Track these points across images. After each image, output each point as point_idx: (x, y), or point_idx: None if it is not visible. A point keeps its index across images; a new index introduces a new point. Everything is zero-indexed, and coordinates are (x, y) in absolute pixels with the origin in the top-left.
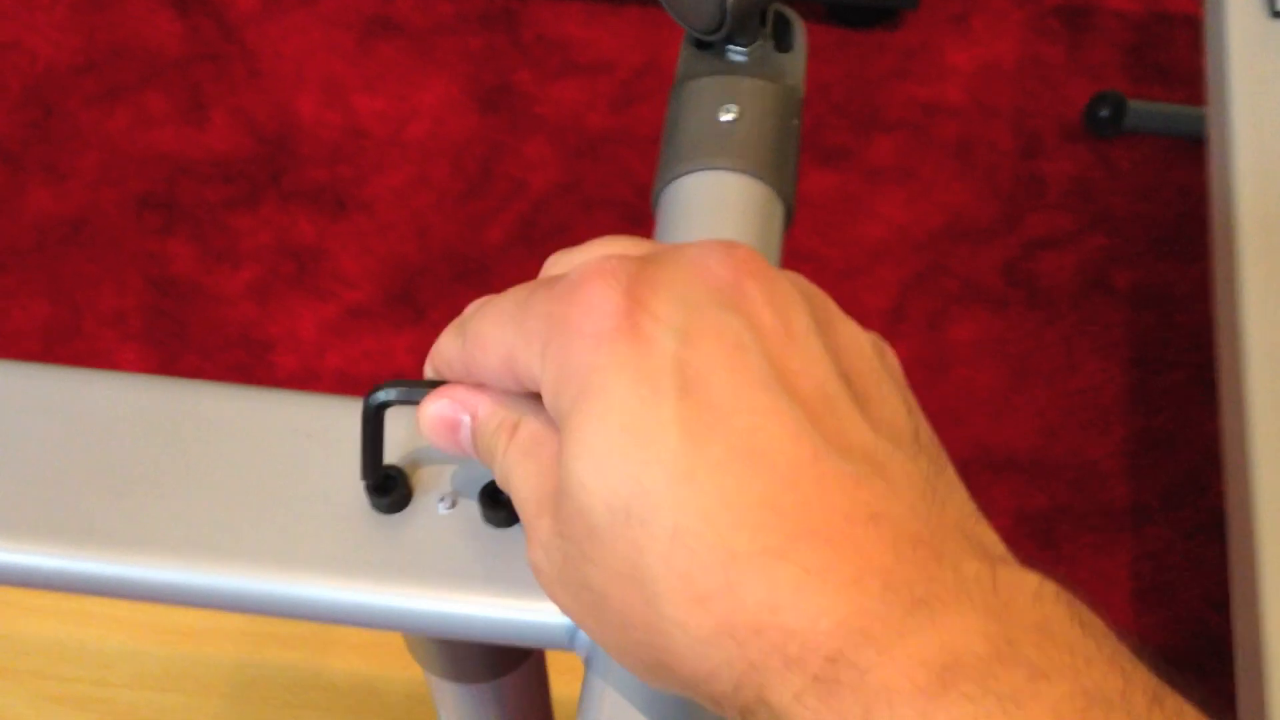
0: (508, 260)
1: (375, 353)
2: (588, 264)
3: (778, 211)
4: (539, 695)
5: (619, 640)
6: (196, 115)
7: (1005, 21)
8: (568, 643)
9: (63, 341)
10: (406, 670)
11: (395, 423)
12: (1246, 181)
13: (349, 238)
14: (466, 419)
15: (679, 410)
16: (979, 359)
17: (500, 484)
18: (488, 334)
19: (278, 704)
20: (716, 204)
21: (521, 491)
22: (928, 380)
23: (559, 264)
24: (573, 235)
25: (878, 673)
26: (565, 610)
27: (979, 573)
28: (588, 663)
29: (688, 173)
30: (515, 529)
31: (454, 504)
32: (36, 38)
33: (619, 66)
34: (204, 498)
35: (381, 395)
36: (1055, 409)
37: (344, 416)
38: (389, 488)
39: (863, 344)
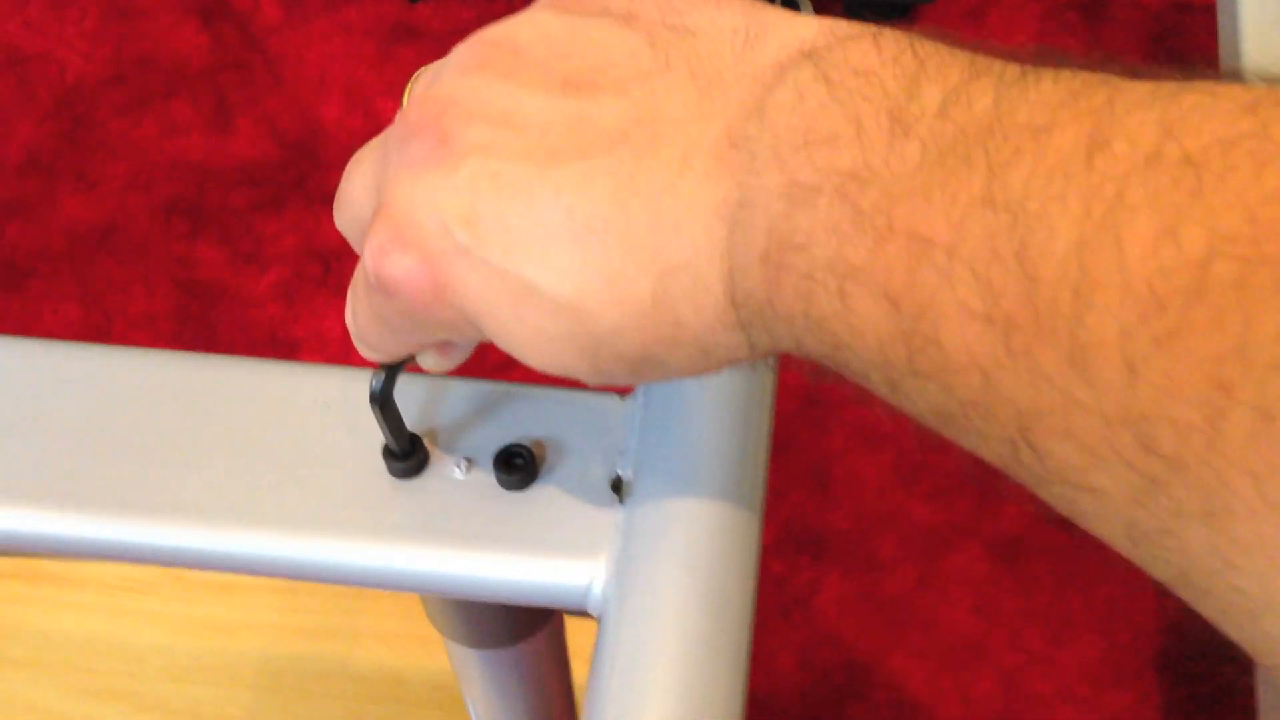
0: None
1: None
2: (369, 266)
3: None
4: (558, 662)
5: (670, 373)
6: (222, 122)
7: (1022, 14)
8: (581, 602)
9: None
10: (430, 660)
11: (409, 393)
12: None
13: None
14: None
15: (522, 269)
16: None
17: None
18: (372, 341)
19: (306, 694)
20: None
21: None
22: None
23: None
24: None
25: (756, 294)
26: (618, 379)
27: (755, 129)
28: (601, 621)
29: None
30: (529, 491)
31: (469, 468)
32: (66, 49)
33: None
34: (229, 467)
35: (380, 386)
36: None
37: (362, 386)
38: (406, 454)
39: (545, 29)
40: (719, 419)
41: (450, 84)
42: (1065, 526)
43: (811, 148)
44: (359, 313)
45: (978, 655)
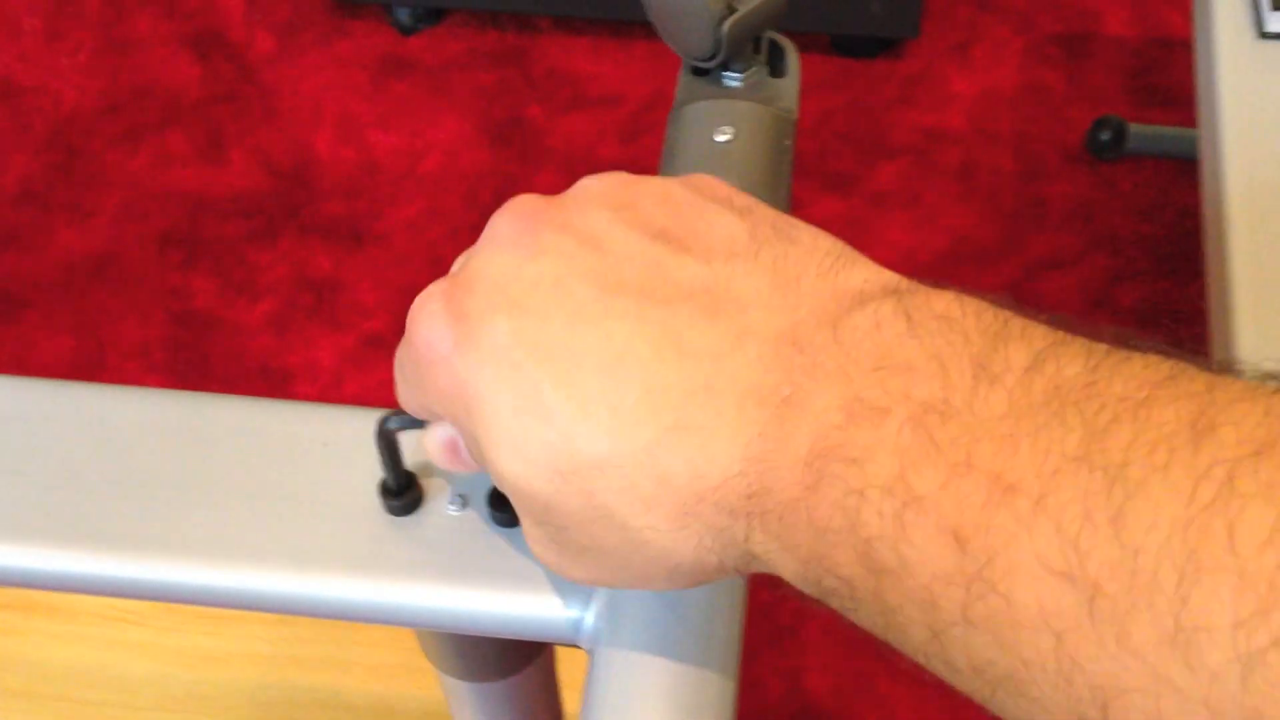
0: None
1: (391, 381)
2: (411, 314)
3: None
4: (549, 693)
5: (632, 573)
6: (216, 154)
7: (1006, 49)
8: (573, 635)
9: (87, 374)
10: (422, 690)
11: (405, 431)
12: (1238, 200)
13: (365, 269)
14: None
15: (541, 373)
16: None
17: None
18: (400, 391)
19: None
20: None
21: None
22: None
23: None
24: None
25: (779, 492)
26: (584, 579)
27: (824, 339)
28: (591, 654)
29: None
30: (519, 528)
31: (463, 506)
32: (61, 82)
33: (627, 99)
34: (226, 504)
35: (390, 424)
36: None
37: (357, 426)
38: (402, 491)
39: (669, 192)
40: None
41: (572, 195)
42: None
43: (885, 372)
44: (398, 352)
45: None
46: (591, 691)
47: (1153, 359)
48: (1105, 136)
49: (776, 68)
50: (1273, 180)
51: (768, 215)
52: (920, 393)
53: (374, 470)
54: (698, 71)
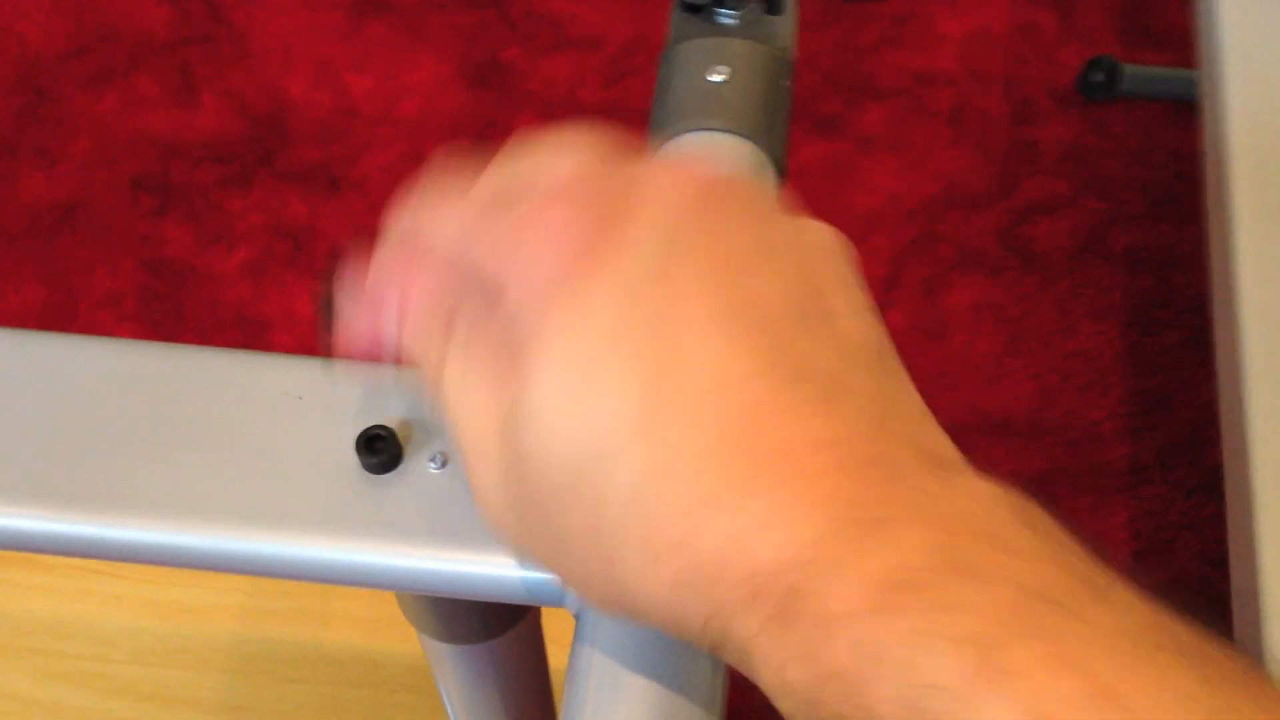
0: None
1: None
2: (561, 182)
3: (768, 173)
4: (535, 657)
5: (579, 581)
6: (187, 97)
7: None
8: (559, 599)
9: (58, 325)
10: (405, 643)
11: (382, 386)
12: (1240, 142)
13: (343, 216)
14: (393, 308)
15: (644, 349)
16: (975, 324)
17: (430, 396)
18: (439, 220)
19: (278, 678)
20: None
21: (462, 413)
22: (924, 346)
23: (512, 170)
24: None
25: (831, 600)
26: (518, 548)
27: (928, 485)
28: (578, 619)
29: (678, 134)
30: None
31: (444, 463)
32: (25, 23)
33: (609, 41)
34: (195, 460)
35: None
36: (1052, 372)
37: (334, 378)
38: (379, 448)
39: (829, 247)
40: None
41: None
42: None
43: (987, 544)
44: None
45: None
46: (578, 656)
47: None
48: (1098, 78)
49: (773, 4)
50: (1277, 121)
51: (883, 329)
52: (1028, 578)
53: (351, 426)
54: (690, 8)
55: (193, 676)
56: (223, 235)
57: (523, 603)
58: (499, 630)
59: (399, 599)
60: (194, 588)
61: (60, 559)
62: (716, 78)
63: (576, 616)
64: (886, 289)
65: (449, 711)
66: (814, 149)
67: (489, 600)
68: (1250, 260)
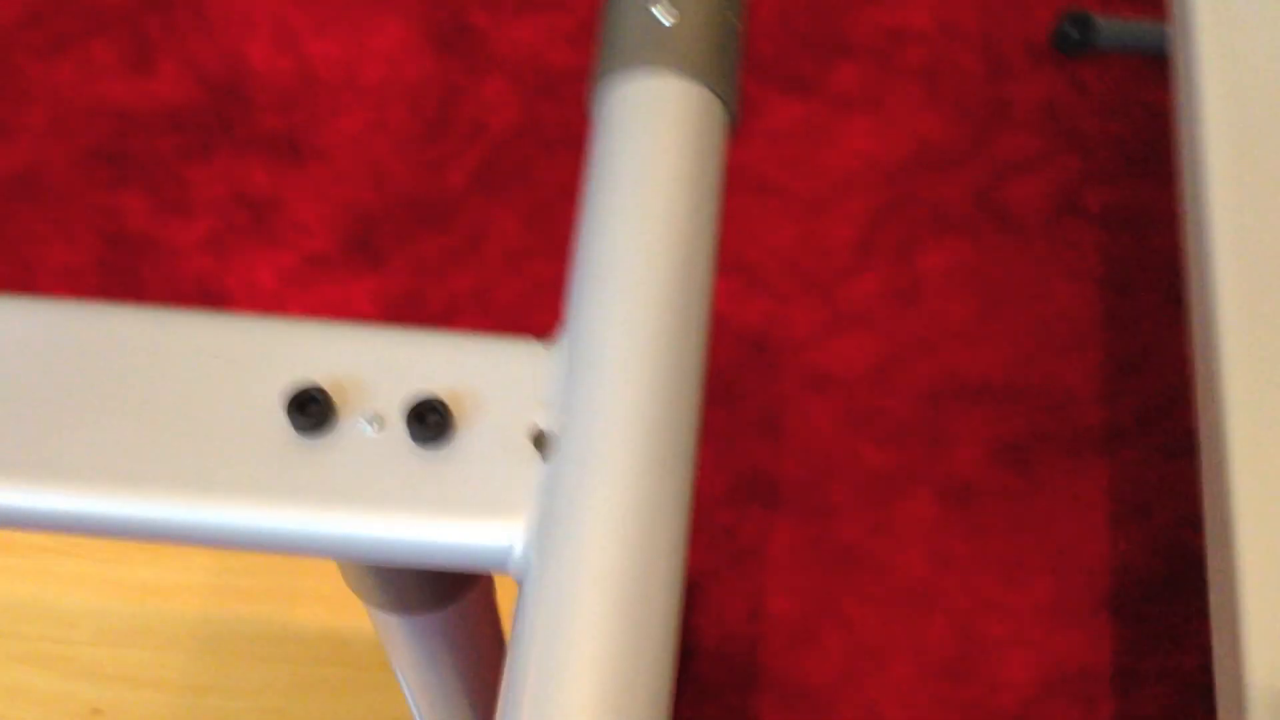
0: (469, 205)
1: (335, 301)
2: None
3: (720, 117)
4: (488, 628)
5: None
6: (145, 65)
7: None
8: (500, 564)
9: None
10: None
11: (315, 338)
12: (1213, 98)
13: (305, 186)
14: None
15: None
16: (951, 287)
17: None
18: None
19: (245, 657)
20: (656, 109)
21: None
22: (899, 311)
23: None
24: (534, 176)
25: None
26: None
27: None
28: (522, 584)
29: (626, 75)
30: (444, 448)
31: (380, 424)
32: None
33: (577, 3)
34: (114, 422)
35: None
36: (1029, 335)
37: (261, 336)
38: (310, 409)
39: None
40: (649, 366)
41: None
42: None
43: None
44: None
45: (930, 600)
46: (520, 624)
47: None
48: (1073, 32)
49: None
50: (1251, 75)
51: None
52: None
53: (280, 384)
54: None
55: (157, 656)
56: (183, 206)
57: (464, 569)
58: (448, 600)
59: (342, 569)
60: (157, 567)
61: (20, 539)
62: (666, 18)
63: (520, 583)
64: (861, 252)
65: (403, 687)
66: (787, 110)
67: (429, 568)
68: (1224, 218)
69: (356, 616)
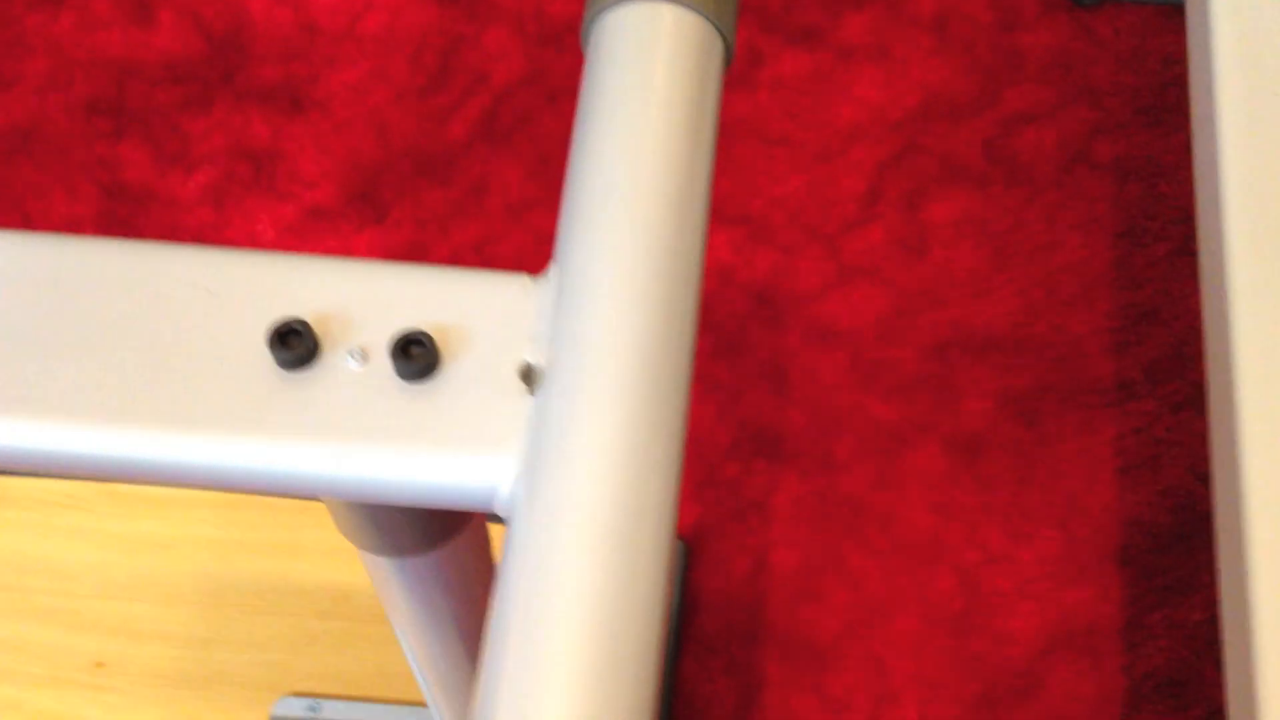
0: (471, 156)
1: (336, 252)
2: None
3: (717, 48)
4: (481, 567)
5: None
6: (143, 15)
7: None
8: (488, 501)
9: None
10: None
11: (300, 271)
12: (1226, 48)
13: (306, 137)
14: None
15: None
16: (959, 239)
17: None
18: None
19: (249, 610)
20: (650, 39)
21: None
22: (906, 262)
23: None
24: (537, 126)
25: None
26: None
27: None
28: (510, 521)
29: (619, 4)
30: (430, 383)
31: (364, 359)
32: None
33: None
34: (95, 357)
35: None
36: (1038, 286)
37: (245, 270)
38: (293, 343)
39: None
40: (640, 299)
41: None
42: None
43: None
44: None
45: (936, 554)
46: (508, 560)
47: None
48: None
49: None
50: (1264, 23)
51: None
52: None
53: (264, 319)
54: None
55: (161, 610)
56: (182, 158)
57: (451, 506)
58: (438, 541)
59: (332, 512)
60: (161, 521)
61: (23, 492)
62: None
63: (507, 521)
64: (868, 203)
65: (397, 632)
66: (795, 61)
67: (415, 504)
68: (1235, 168)
69: (358, 571)
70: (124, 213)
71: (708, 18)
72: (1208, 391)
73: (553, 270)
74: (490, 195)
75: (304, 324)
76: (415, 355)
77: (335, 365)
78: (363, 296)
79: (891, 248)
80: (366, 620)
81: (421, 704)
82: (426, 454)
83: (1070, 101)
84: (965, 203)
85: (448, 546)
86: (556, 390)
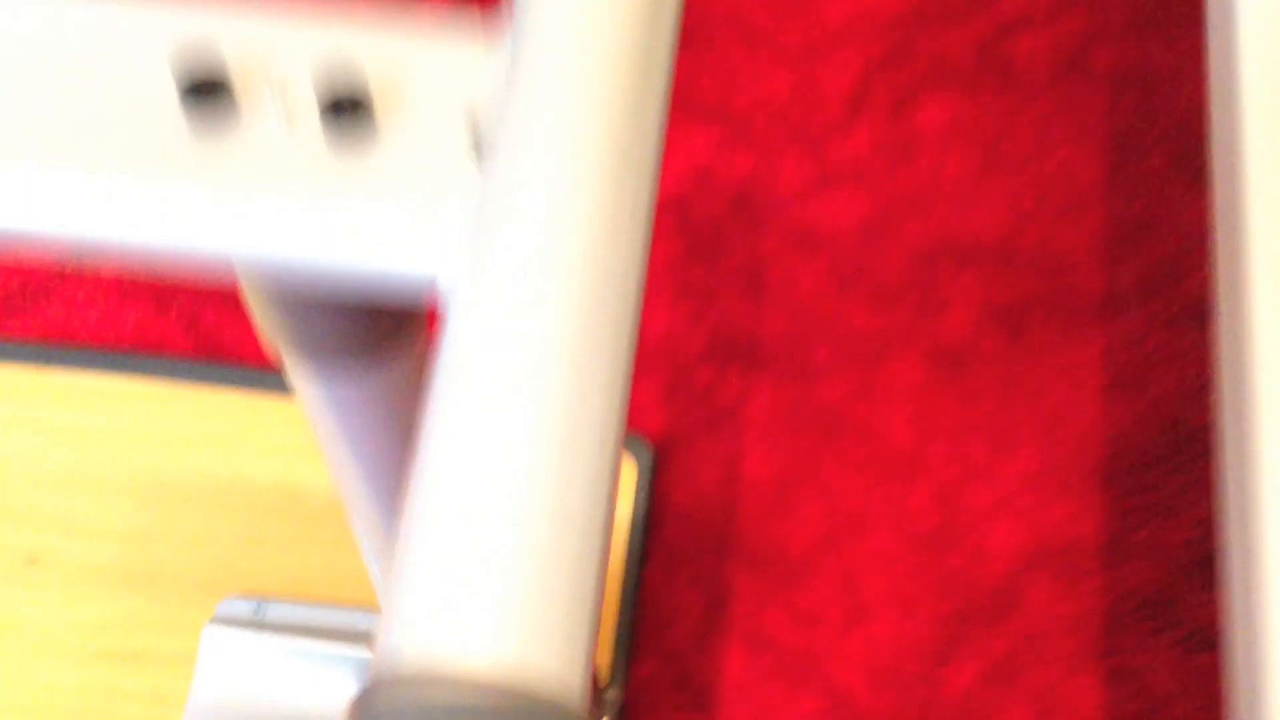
0: None
1: None
2: None
3: None
4: (418, 397)
5: None
6: None
7: None
8: (426, 285)
9: None
10: (325, 474)
11: (221, 12)
12: None
13: None
14: None
15: None
16: (947, 145)
17: None
18: None
19: (193, 507)
20: None
21: None
22: (892, 168)
23: None
24: None
25: None
26: None
27: None
28: (446, 310)
29: None
30: (364, 149)
31: (289, 119)
32: None
33: None
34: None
35: None
36: (1028, 196)
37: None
38: (209, 94)
39: None
40: (606, 68)
41: None
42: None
43: None
44: None
45: (914, 468)
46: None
47: None
48: None
49: None
50: None
51: None
52: None
53: (179, 67)
54: None
55: (98, 504)
56: None
57: (383, 291)
58: (372, 346)
59: (255, 310)
60: (97, 411)
61: None
62: None
63: (446, 308)
64: (853, 106)
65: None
66: None
67: (343, 287)
68: (1255, 72)
69: (309, 469)
70: None
71: None
72: (1214, 299)
73: (508, 33)
74: None
75: (223, 74)
76: (348, 116)
77: (256, 125)
78: (286, 45)
79: (877, 152)
80: (316, 520)
81: (373, 606)
82: (356, 229)
83: (1066, 6)
84: (955, 108)
85: (383, 361)
86: (507, 165)
